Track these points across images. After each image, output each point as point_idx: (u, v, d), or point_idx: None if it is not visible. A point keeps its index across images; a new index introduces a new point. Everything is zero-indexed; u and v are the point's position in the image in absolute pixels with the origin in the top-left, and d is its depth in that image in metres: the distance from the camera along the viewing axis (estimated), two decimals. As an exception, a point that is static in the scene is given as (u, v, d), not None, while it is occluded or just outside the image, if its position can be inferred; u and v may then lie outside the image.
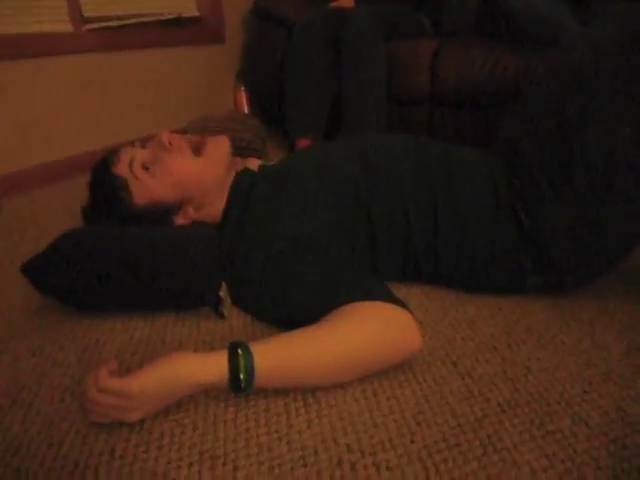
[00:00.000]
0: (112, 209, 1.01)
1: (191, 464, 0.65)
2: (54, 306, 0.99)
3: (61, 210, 1.53)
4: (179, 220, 1.04)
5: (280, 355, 0.72)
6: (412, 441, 0.68)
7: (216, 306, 0.96)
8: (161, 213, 1.02)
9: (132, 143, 1.06)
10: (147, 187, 1.00)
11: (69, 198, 1.63)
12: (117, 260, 0.91)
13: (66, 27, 1.79)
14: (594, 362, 0.82)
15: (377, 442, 0.68)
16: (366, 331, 0.75)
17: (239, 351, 0.70)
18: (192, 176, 1.01)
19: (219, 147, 1.06)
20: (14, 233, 1.39)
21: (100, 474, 0.64)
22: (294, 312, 0.85)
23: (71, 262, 0.90)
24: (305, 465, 0.64)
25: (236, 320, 0.96)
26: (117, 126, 2.02)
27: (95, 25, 1.86)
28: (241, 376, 0.69)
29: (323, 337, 0.74)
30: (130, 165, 1.00)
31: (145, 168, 1.00)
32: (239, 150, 1.73)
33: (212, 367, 0.69)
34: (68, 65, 1.80)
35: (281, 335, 0.76)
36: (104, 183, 1.01)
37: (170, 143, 1.00)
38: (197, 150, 1.04)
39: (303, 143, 1.88)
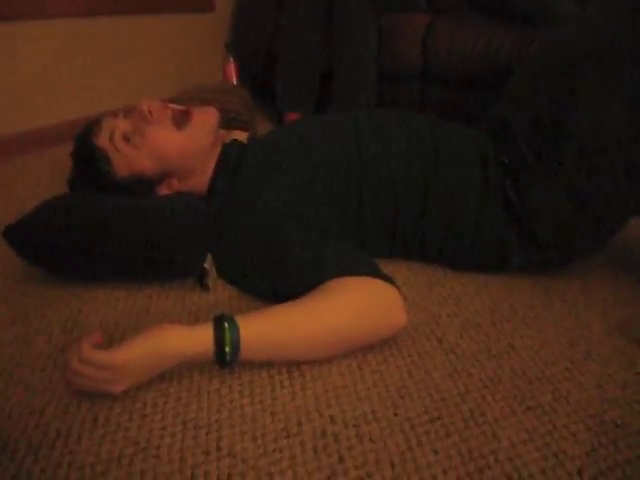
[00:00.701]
0: (93, 180, 1.00)
1: (174, 433, 0.65)
2: (37, 275, 0.98)
3: (44, 178, 1.50)
4: (163, 191, 1.03)
5: (266, 329, 0.72)
6: (395, 414, 0.68)
7: (200, 278, 0.95)
8: (143, 184, 1.01)
9: (116, 113, 1.03)
10: (127, 158, 0.98)
11: (52, 165, 1.59)
12: (100, 229, 0.89)
13: (50, -10, 1.73)
14: (576, 341, 0.84)
15: (360, 414, 0.68)
16: (352, 306, 0.75)
17: (225, 324, 0.69)
18: (173, 147, 0.99)
19: (207, 119, 1.03)
20: (-5, 201, 1.36)
21: (83, 442, 0.64)
22: (280, 285, 0.85)
23: (53, 229, 0.89)
24: (288, 436, 0.65)
25: (221, 293, 0.95)
26: (102, 94, 1.97)
27: (80, -12, 1.80)
28: (227, 349, 0.69)
29: (309, 312, 0.74)
30: (111, 136, 0.98)
31: (126, 139, 0.98)
32: (227, 122, 1.70)
33: (198, 339, 0.69)
34: (52, 30, 1.74)
35: (267, 309, 0.76)
36: (85, 154, 1.00)
37: (150, 113, 0.98)
38: (182, 121, 1.01)
39: (293, 117, 1.85)
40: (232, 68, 2.32)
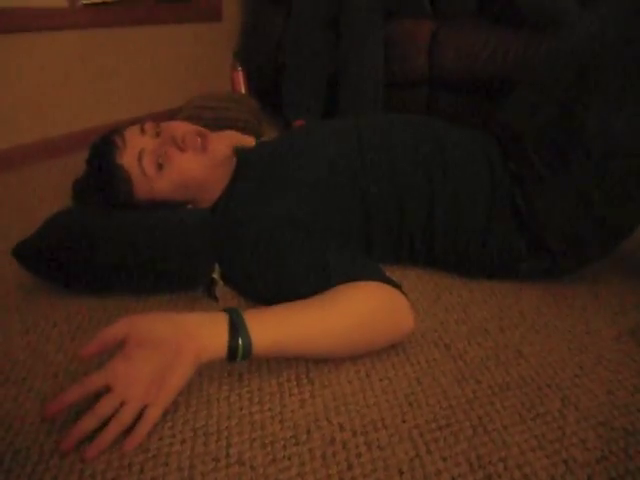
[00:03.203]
0: (108, 197, 0.98)
1: (184, 440, 0.65)
2: (48, 284, 0.99)
3: (52, 188, 1.52)
4: None
5: (276, 338, 0.71)
6: (404, 421, 0.68)
7: (209, 288, 0.96)
8: (158, 209, 0.99)
9: (141, 126, 0.97)
10: (152, 185, 0.96)
11: (62, 175, 1.61)
12: (109, 243, 0.90)
13: (60, 2, 1.75)
14: (585, 347, 0.83)
15: (369, 422, 0.68)
16: (359, 310, 0.75)
17: (239, 341, 0.67)
18: (198, 178, 0.98)
19: (221, 146, 1.00)
20: (6, 210, 1.38)
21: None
22: (287, 294, 0.85)
23: (62, 245, 0.89)
24: (297, 443, 0.65)
25: (230, 302, 0.95)
26: (111, 104, 1.99)
27: (89, 0, 1.82)
28: (238, 359, 0.69)
29: (318, 315, 0.74)
30: (139, 158, 0.94)
31: (158, 165, 0.94)
32: (235, 130, 1.71)
33: (214, 354, 0.68)
34: (61, 41, 1.77)
35: (278, 313, 0.74)
36: (104, 170, 0.96)
37: (183, 142, 0.94)
38: (202, 142, 0.98)
39: (300, 125, 1.86)
40: (240, 77, 2.35)
